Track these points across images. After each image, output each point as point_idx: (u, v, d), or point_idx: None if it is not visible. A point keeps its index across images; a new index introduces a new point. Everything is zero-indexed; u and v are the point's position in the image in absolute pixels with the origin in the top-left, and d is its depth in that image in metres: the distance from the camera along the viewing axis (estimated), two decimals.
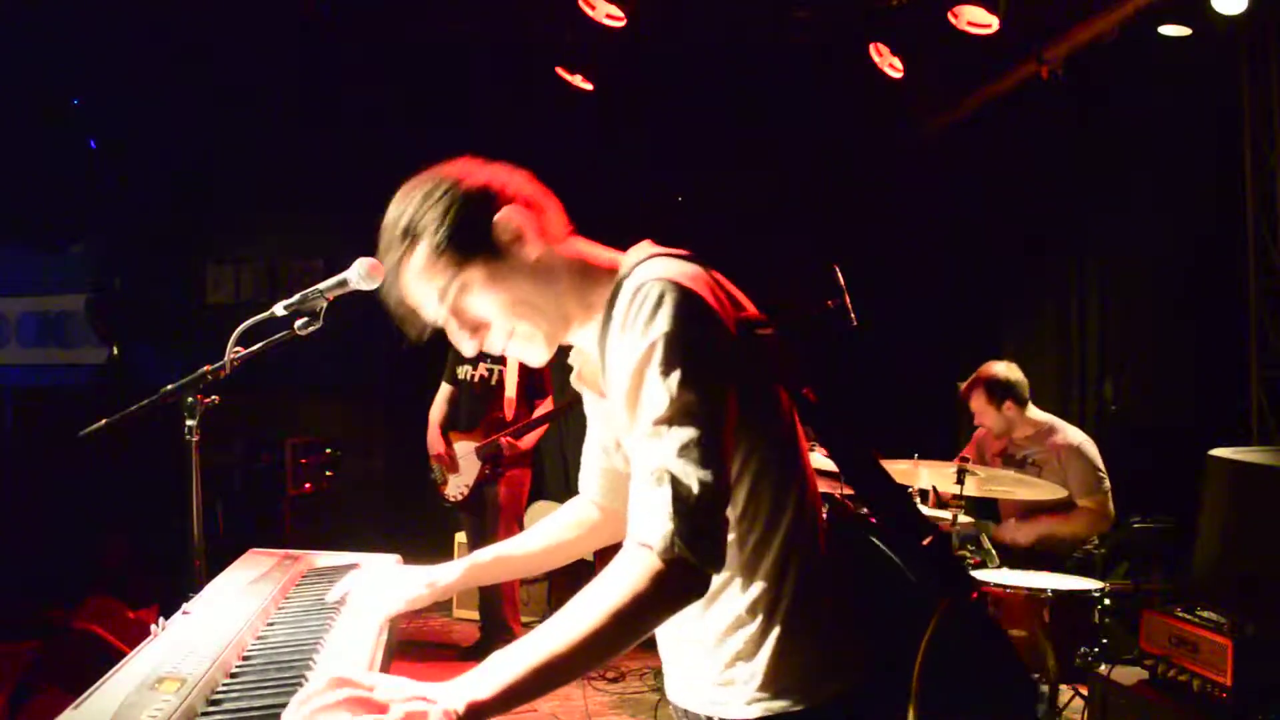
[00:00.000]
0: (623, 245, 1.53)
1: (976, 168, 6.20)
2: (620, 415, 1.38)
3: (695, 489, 1.23)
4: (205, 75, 6.33)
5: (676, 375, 1.27)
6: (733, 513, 1.38)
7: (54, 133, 6.95)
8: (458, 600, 5.91)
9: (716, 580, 1.38)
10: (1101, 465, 4.04)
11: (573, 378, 1.62)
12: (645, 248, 1.47)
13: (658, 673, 4.96)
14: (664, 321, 1.29)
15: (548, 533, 1.79)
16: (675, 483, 1.23)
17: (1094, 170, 5.66)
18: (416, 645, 5.43)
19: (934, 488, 3.92)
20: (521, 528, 4.85)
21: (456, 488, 5.14)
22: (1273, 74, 4.72)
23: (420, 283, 1.43)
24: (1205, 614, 2.87)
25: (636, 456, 1.30)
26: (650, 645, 1.50)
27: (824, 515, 1.51)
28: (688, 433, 1.25)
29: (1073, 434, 4.14)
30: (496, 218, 1.42)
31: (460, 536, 5.74)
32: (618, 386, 1.36)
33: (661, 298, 1.30)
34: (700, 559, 1.23)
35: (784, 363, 1.44)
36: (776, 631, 1.40)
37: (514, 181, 1.47)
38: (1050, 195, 5.91)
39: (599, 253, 1.51)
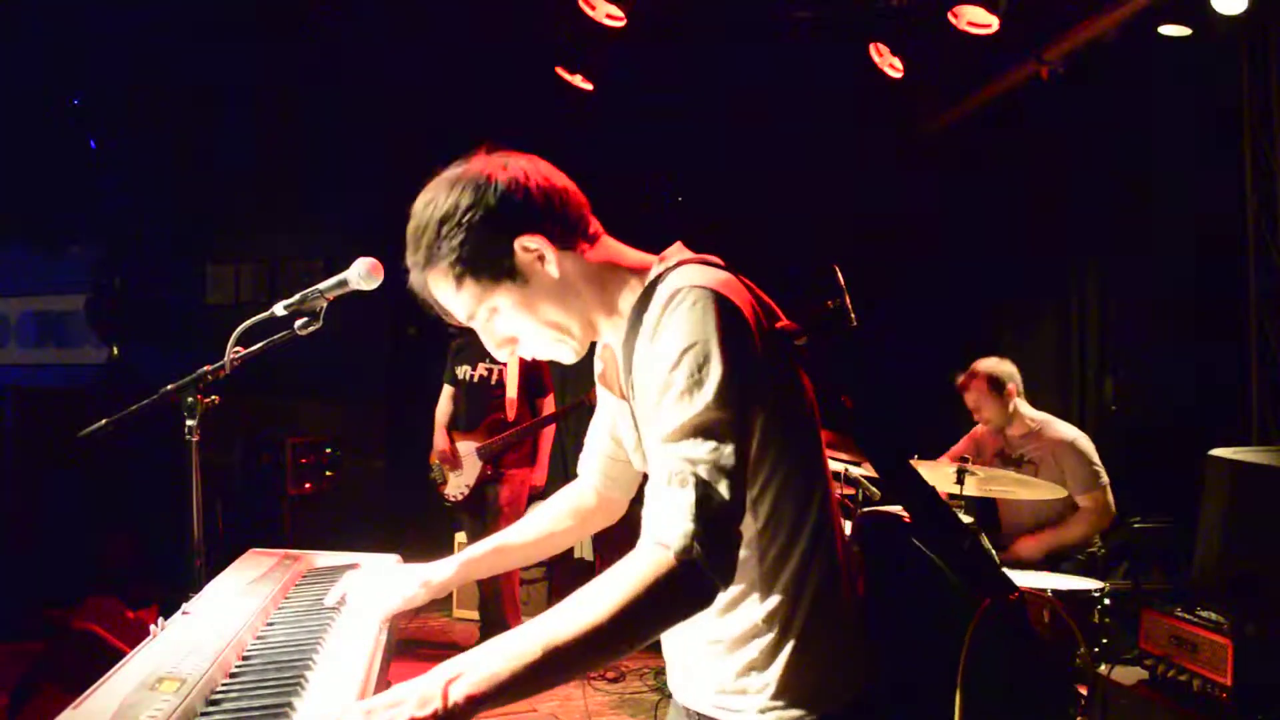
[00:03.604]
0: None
1: (976, 168, 6.20)
2: (648, 418, 1.36)
3: (720, 497, 1.22)
4: (205, 75, 6.32)
5: (708, 385, 1.26)
6: (755, 525, 1.38)
7: (54, 133, 6.95)
8: (457, 599, 5.92)
9: (735, 589, 1.37)
10: (1098, 460, 4.05)
11: (597, 376, 1.63)
12: (677, 252, 1.46)
13: (658, 672, 4.98)
14: (699, 329, 1.28)
15: (542, 522, 1.80)
16: (701, 487, 1.22)
17: (1094, 170, 5.66)
18: (416, 645, 5.43)
19: (933, 488, 3.91)
20: None
21: (457, 487, 5.13)
22: (1273, 74, 4.71)
23: (446, 298, 1.44)
24: (1205, 614, 2.88)
25: (659, 458, 1.27)
26: (651, 644, 1.49)
27: (846, 523, 1.52)
28: (716, 442, 1.24)
29: (1065, 430, 4.15)
30: (516, 243, 1.38)
31: (461, 536, 5.73)
32: (647, 391, 1.34)
33: (696, 306, 1.29)
34: (714, 566, 1.21)
35: (820, 371, 1.44)
36: (792, 643, 1.39)
37: (535, 181, 1.41)
38: (1050, 195, 5.90)
39: (627, 254, 1.49)
